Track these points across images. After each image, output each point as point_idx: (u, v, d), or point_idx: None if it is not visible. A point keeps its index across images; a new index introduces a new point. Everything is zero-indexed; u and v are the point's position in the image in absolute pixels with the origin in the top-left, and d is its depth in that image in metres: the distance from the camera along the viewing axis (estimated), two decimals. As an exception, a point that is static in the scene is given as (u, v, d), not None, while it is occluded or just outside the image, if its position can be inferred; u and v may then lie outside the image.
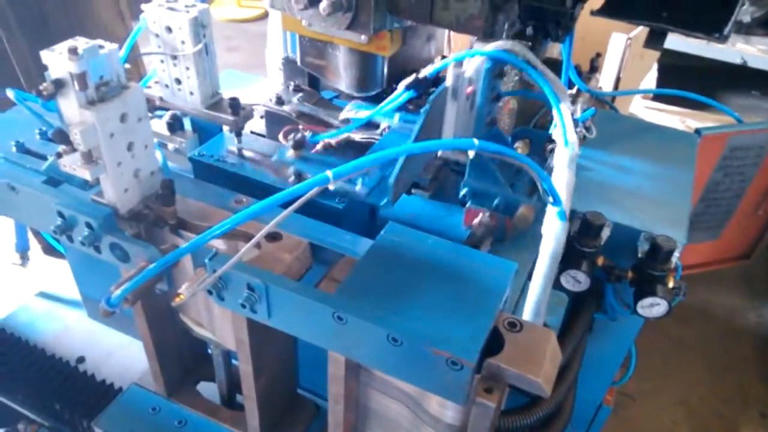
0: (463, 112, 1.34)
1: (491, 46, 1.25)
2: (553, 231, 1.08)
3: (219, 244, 1.13)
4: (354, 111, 1.57)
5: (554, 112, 1.23)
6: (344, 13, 1.26)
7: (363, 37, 1.33)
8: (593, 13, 1.21)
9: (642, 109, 3.64)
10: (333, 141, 1.46)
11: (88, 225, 1.05)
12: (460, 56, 1.32)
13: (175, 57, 1.24)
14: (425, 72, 1.36)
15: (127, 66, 1.31)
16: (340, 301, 0.91)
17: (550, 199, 1.07)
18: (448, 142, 1.00)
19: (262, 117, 1.68)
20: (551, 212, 1.08)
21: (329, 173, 0.90)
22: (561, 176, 1.13)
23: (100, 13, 2.97)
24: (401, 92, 1.40)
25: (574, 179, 1.14)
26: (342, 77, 1.54)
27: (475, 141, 0.99)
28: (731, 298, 3.02)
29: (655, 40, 1.19)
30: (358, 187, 1.31)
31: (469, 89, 1.30)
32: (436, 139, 1.44)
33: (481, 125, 1.38)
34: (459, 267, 1.01)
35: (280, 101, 1.61)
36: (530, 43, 1.34)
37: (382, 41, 1.37)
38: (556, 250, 1.09)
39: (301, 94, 1.65)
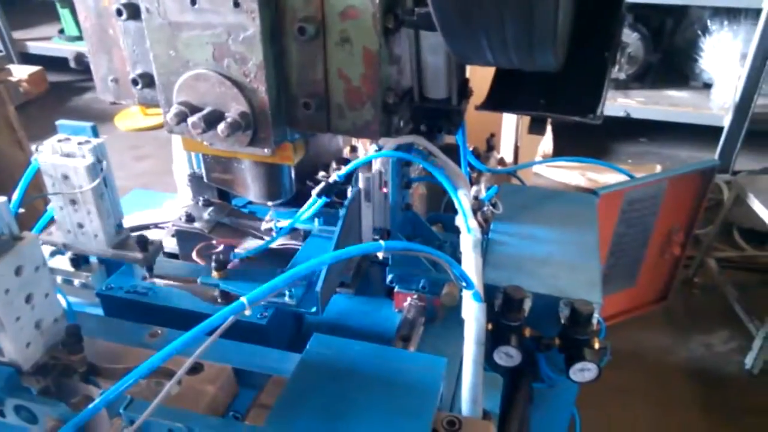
0: (379, 207, 1.43)
1: (393, 143, 1.33)
2: (472, 313, 1.10)
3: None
4: (274, 220, 1.58)
5: (454, 200, 1.30)
6: (243, 131, 1.28)
7: (266, 150, 1.35)
8: (477, 108, 1.29)
9: (545, 169, 3.86)
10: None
11: (-12, 390, 0.97)
12: (366, 158, 1.38)
13: (74, 202, 1.20)
14: (334, 177, 1.42)
15: (22, 210, 1.26)
16: (271, 433, 0.87)
17: (464, 284, 1.10)
18: (356, 248, 1.03)
19: (173, 236, 1.65)
20: (467, 296, 1.11)
21: (244, 299, 0.91)
22: (469, 261, 1.20)
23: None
24: (314, 200, 1.44)
25: (482, 261, 1.23)
26: (250, 189, 1.55)
27: (382, 243, 1.02)
28: (659, 338, 3.15)
29: (537, 126, 1.28)
30: (286, 298, 1.32)
31: (385, 189, 1.39)
32: (357, 238, 1.48)
33: (396, 213, 1.47)
34: (389, 371, 1.00)
35: (190, 218, 1.59)
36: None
37: (285, 152, 1.39)
38: (479, 332, 1.09)
39: (211, 209, 1.64)
